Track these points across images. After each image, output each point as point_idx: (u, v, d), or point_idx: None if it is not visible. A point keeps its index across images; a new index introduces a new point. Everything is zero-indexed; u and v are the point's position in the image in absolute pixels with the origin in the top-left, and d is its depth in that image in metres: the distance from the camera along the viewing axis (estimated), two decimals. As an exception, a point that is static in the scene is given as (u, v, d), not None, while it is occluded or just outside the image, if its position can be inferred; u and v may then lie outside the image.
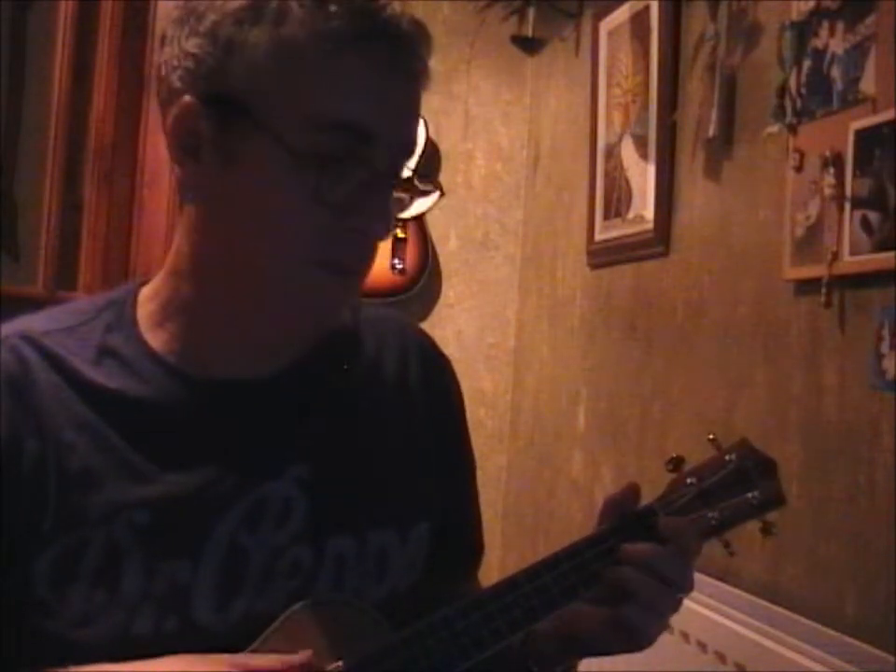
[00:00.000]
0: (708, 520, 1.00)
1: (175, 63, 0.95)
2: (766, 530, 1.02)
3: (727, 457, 1.02)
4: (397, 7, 0.94)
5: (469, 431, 1.16)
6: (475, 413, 3.47)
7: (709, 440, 1.04)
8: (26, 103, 3.08)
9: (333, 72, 0.92)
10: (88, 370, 0.97)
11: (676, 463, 1.03)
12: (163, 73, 0.97)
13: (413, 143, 0.98)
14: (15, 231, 3.07)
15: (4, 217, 3.04)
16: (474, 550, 1.17)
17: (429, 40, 0.97)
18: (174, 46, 0.96)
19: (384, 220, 0.96)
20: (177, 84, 0.95)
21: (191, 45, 0.94)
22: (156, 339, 1.00)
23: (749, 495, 1.01)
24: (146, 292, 1.03)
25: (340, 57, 0.92)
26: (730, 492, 1.01)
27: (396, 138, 0.96)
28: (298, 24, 0.92)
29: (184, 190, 0.99)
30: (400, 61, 0.95)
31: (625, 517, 1.00)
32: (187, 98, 0.94)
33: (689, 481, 1.01)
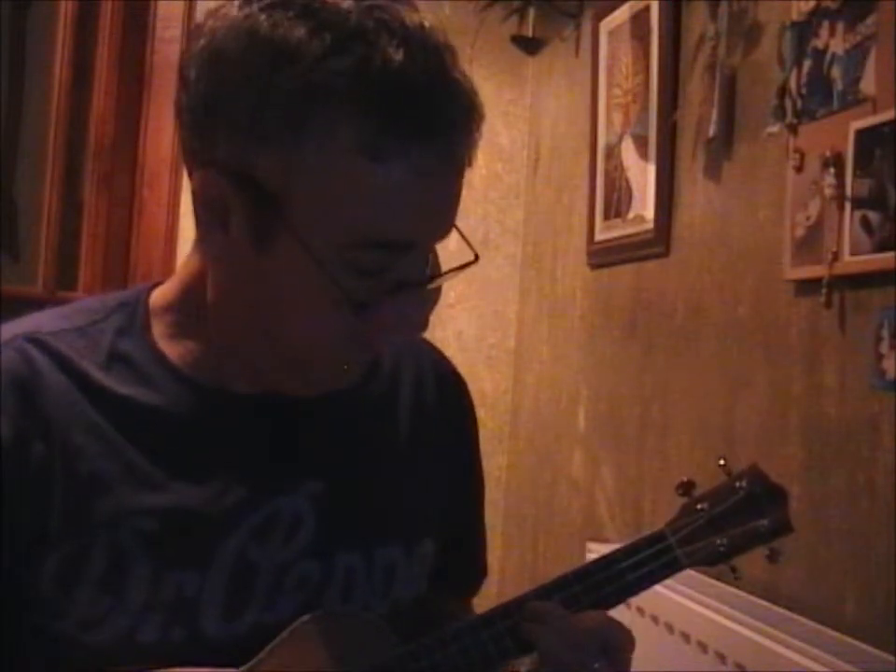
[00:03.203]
0: (717, 546, 1.00)
1: (199, 120, 0.89)
2: (773, 558, 1.02)
3: (737, 484, 1.02)
4: (456, 97, 0.87)
5: (480, 451, 1.15)
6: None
7: (720, 465, 1.04)
8: (26, 103, 3.08)
9: (380, 186, 0.85)
10: (98, 373, 0.96)
11: (686, 488, 1.03)
12: (184, 120, 0.91)
13: (451, 230, 0.94)
14: (15, 231, 3.07)
15: (4, 217, 3.04)
16: (478, 569, 1.18)
17: (483, 118, 0.90)
18: (196, 98, 0.89)
19: (418, 324, 0.94)
20: (203, 148, 0.90)
21: (221, 113, 0.87)
22: (170, 349, 0.99)
23: (759, 522, 1.01)
24: (159, 300, 1.01)
25: (389, 169, 0.85)
26: (740, 519, 1.01)
27: (436, 241, 0.93)
28: (345, 128, 0.84)
29: (207, 252, 0.95)
30: (451, 158, 0.88)
31: (637, 542, 1.00)
32: (214, 172, 0.89)
33: (699, 507, 1.01)
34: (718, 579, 2.08)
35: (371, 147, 0.85)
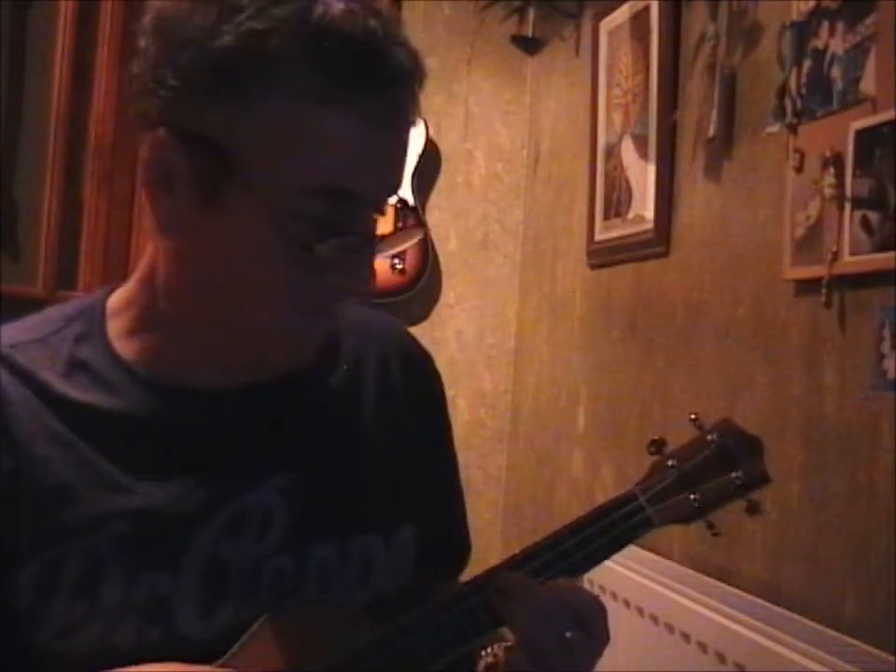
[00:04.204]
0: (691, 503, 0.98)
1: (151, 84, 0.90)
2: (752, 509, 1.00)
3: (709, 437, 1.01)
4: (398, 52, 0.89)
5: (451, 430, 1.15)
6: (475, 413, 3.47)
7: (691, 419, 1.02)
8: (26, 103, 3.08)
9: (326, 133, 0.88)
10: (58, 382, 0.96)
11: (657, 445, 1.01)
12: (136, 89, 0.93)
13: (398, 187, 0.95)
14: (15, 231, 3.07)
15: (4, 217, 3.04)
16: (461, 549, 1.16)
17: (424, 77, 0.92)
18: (146, 63, 0.91)
19: (365, 279, 0.94)
20: (152, 112, 0.91)
21: (168, 75, 0.89)
22: (127, 350, 0.99)
23: (733, 474, 0.99)
24: (116, 302, 1.02)
25: (333, 116, 0.87)
26: (712, 473, 0.99)
27: (382, 196, 0.94)
28: (289, 76, 0.87)
29: (157, 224, 0.96)
30: (395, 111, 0.90)
31: (606, 504, 0.99)
32: (162, 132, 0.90)
33: (670, 463, 1.00)
34: (718, 578, 2.08)
35: (314, 93, 0.87)
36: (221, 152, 0.88)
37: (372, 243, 0.94)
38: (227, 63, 0.87)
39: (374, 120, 0.89)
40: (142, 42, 0.92)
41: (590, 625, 0.94)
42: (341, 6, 0.87)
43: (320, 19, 0.87)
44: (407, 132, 0.93)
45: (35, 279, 3.07)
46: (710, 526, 1.01)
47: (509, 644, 0.98)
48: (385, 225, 1.01)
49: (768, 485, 1.01)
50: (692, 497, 0.99)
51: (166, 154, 0.91)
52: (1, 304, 2.50)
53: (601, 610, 0.96)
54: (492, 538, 3.40)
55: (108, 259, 3.14)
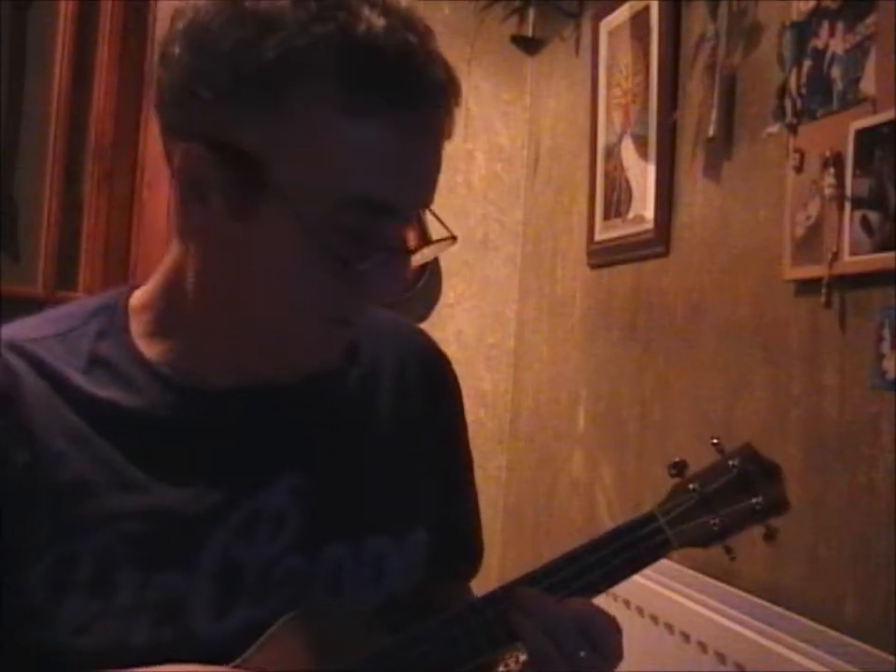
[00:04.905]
0: (710, 526, 1.00)
1: (183, 95, 0.90)
2: (770, 536, 1.01)
3: (730, 462, 1.01)
4: (434, 67, 0.89)
5: (467, 433, 1.15)
6: (475, 413, 3.47)
7: (713, 444, 1.03)
8: (26, 103, 3.08)
9: (362, 145, 0.88)
10: (78, 378, 0.96)
11: (679, 468, 1.02)
12: (167, 97, 0.92)
13: (431, 201, 0.96)
14: (15, 231, 3.07)
15: (4, 217, 3.04)
16: (473, 552, 1.17)
17: (460, 92, 0.93)
18: (178, 74, 0.91)
19: (399, 288, 0.94)
20: (184, 123, 0.91)
21: (203, 87, 0.89)
22: (149, 349, 0.99)
23: (753, 500, 1.00)
24: (138, 300, 1.02)
25: (369, 128, 0.88)
26: (733, 498, 1.00)
27: (417, 208, 0.94)
28: (328, 91, 0.87)
29: (187, 232, 0.96)
30: (431, 125, 0.91)
31: (626, 524, 1.00)
32: (195, 143, 0.90)
33: (691, 486, 1.01)
34: (718, 578, 2.08)
35: (352, 107, 0.87)
36: (256, 165, 0.88)
37: (408, 255, 0.95)
38: (267, 78, 0.87)
39: (411, 134, 0.89)
40: (175, 51, 0.91)
41: (602, 645, 0.95)
42: (381, 22, 0.87)
43: (362, 36, 0.87)
44: (441, 146, 0.94)
45: (34, 279, 3.07)
46: (728, 551, 1.02)
47: (524, 658, 0.98)
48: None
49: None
50: (711, 521, 1.00)
51: (199, 165, 0.90)
52: (1, 304, 2.50)
53: (615, 630, 0.97)
54: (492, 538, 3.40)
55: (108, 258, 3.14)
